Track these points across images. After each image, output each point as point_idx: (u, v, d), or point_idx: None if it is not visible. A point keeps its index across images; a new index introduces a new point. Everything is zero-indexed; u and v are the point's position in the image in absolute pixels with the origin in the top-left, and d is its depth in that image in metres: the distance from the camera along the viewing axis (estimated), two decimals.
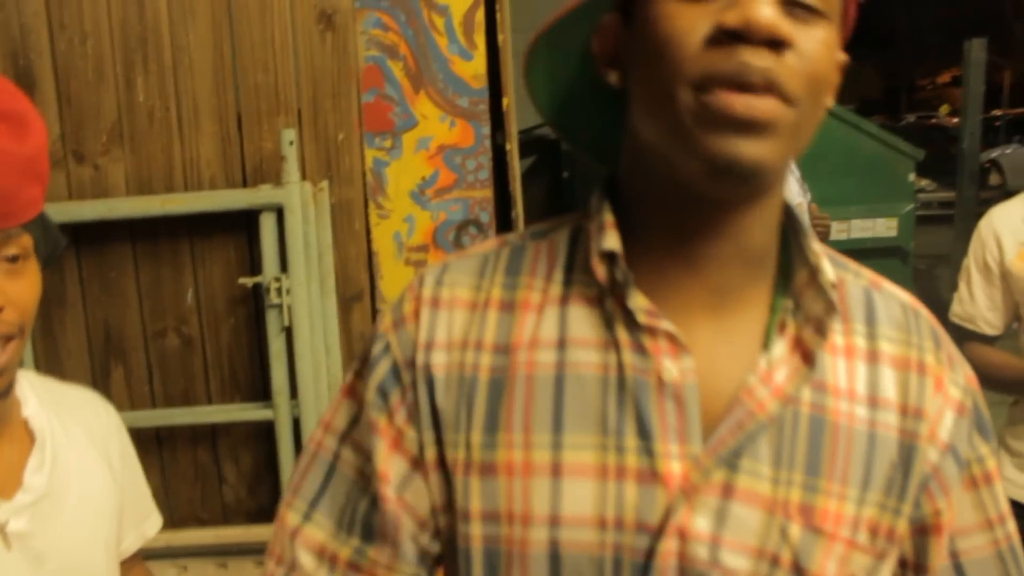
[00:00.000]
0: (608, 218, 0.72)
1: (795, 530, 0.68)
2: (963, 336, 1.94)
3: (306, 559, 0.77)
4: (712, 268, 0.70)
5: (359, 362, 0.81)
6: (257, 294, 2.08)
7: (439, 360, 0.74)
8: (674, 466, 0.67)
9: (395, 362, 0.76)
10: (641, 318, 0.68)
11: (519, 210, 2.26)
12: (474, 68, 2.12)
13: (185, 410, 2.09)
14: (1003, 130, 19.22)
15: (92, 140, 2.07)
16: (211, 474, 2.17)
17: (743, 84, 0.62)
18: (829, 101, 0.70)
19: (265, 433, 2.12)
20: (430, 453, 0.74)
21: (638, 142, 0.71)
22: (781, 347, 0.70)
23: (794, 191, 3.27)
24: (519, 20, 2.54)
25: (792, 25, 0.63)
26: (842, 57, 0.72)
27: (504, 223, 2.24)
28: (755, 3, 0.61)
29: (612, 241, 0.70)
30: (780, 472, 0.68)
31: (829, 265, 0.72)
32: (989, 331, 1.92)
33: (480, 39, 2.11)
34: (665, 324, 0.68)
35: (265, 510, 2.18)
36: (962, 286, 1.98)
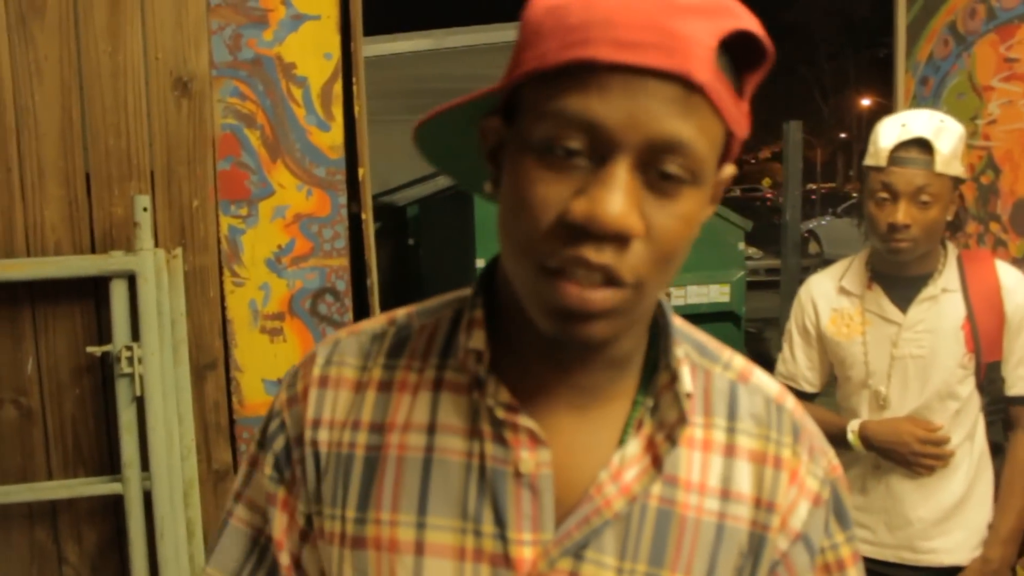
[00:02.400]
0: (478, 315, 0.75)
1: None
2: None
3: None
4: (576, 370, 0.74)
5: (260, 433, 0.84)
6: (105, 363, 2.01)
7: (323, 438, 0.78)
8: (526, 552, 0.71)
9: (288, 439, 0.80)
10: (499, 413, 0.72)
11: (374, 278, 2.28)
12: (331, 139, 2.15)
13: (23, 487, 1.98)
14: (818, 203, 20.80)
15: None
16: (50, 555, 2.05)
17: (580, 277, 0.62)
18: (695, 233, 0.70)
19: (112, 508, 2.03)
20: (316, 523, 0.78)
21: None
22: (635, 445, 0.73)
23: None
24: (373, 87, 2.60)
25: (651, 200, 0.62)
26: (729, 172, 0.71)
27: (360, 291, 2.26)
28: (605, 194, 0.60)
29: (478, 341, 0.73)
30: (624, 563, 0.72)
31: (688, 374, 0.74)
32: (809, 388, 2.09)
33: (337, 110, 2.16)
34: (523, 420, 0.72)
35: None
36: (785, 347, 2.15)
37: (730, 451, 0.76)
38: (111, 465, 2.03)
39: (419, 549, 0.73)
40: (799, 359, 2.08)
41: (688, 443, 0.75)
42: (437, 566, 0.72)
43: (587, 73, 0.60)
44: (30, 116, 2.00)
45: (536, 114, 0.63)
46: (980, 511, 1.91)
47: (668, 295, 3.65)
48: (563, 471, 0.73)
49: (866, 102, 28.76)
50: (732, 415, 0.78)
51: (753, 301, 6.75)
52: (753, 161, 37.92)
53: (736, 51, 0.65)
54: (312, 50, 2.13)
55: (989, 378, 1.90)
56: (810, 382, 2.08)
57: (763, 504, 0.76)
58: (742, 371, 0.81)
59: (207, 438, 2.12)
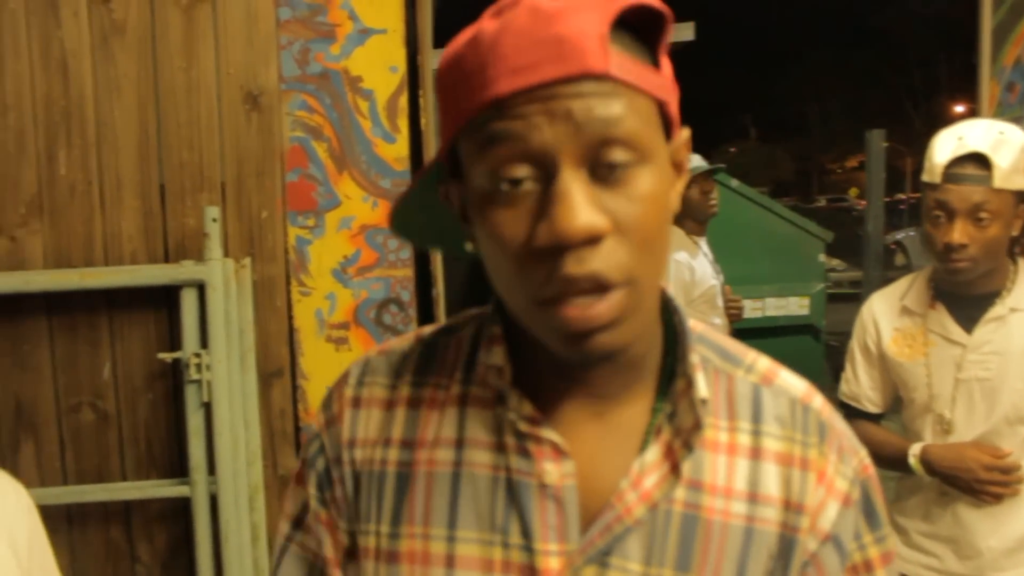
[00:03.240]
0: (496, 331, 0.77)
1: None
2: (851, 414, 2.03)
3: None
4: (591, 379, 0.75)
5: (302, 455, 0.87)
6: (176, 369, 2.07)
7: (358, 456, 0.81)
8: (552, 562, 0.72)
9: (327, 460, 0.82)
10: (522, 427, 0.73)
11: (439, 288, 2.31)
12: (397, 151, 2.18)
13: (99, 487, 2.06)
14: (907, 213, 20.19)
15: (10, 212, 2.06)
16: (123, 553, 2.12)
17: (577, 298, 0.63)
18: (673, 205, 0.72)
19: (181, 510, 2.09)
20: (358, 542, 0.81)
21: None
22: (654, 452, 0.74)
23: (708, 273, 3.40)
24: None
25: (608, 193, 0.64)
26: (683, 137, 0.73)
27: (425, 302, 2.28)
28: (561, 209, 0.62)
29: (497, 357, 0.76)
30: (650, 568, 0.72)
31: (703, 379, 0.74)
32: (873, 409, 2.01)
33: (403, 123, 2.18)
34: (546, 432, 0.73)
35: None
36: (848, 366, 2.08)
37: (756, 454, 0.76)
38: (181, 468, 2.09)
39: (449, 562, 0.74)
40: (861, 379, 2.02)
41: (713, 447, 0.75)
42: None
43: (500, 109, 0.63)
44: (110, 131, 2.09)
45: (474, 163, 0.66)
46: None
47: (741, 310, 3.60)
48: (586, 481, 0.74)
49: (959, 109, 27.84)
50: (757, 418, 0.77)
51: (835, 314, 6.58)
52: (839, 171, 37.04)
53: (637, 23, 0.67)
54: (378, 63, 2.17)
55: None
56: (873, 402, 2.01)
57: (792, 506, 0.75)
58: (766, 373, 0.80)
59: (273, 444, 2.16)
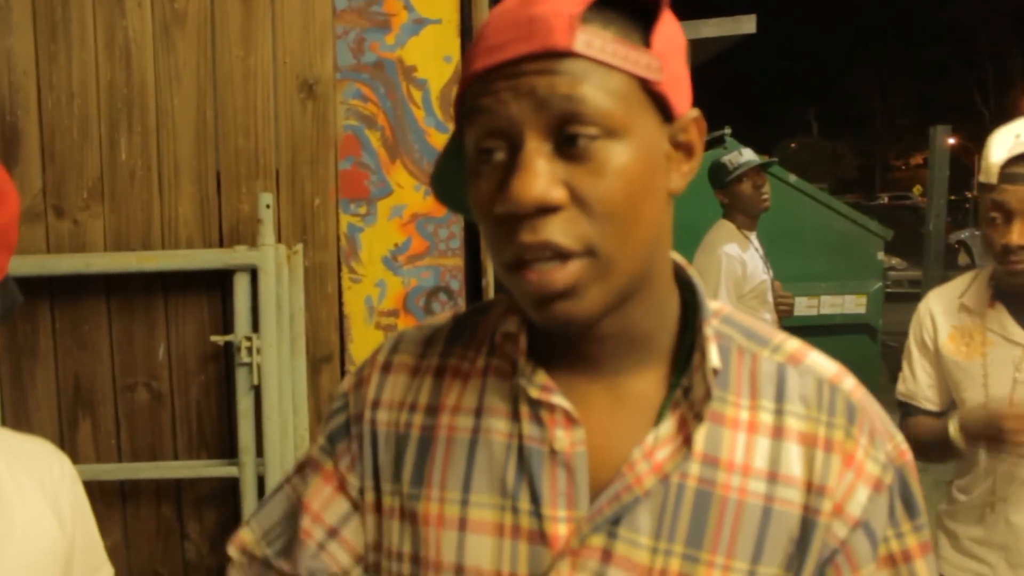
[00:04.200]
0: (513, 303, 0.80)
1: None
2: (909, 413, 1.99)
3: (233, 552, 0.96)
4: (600, 357, 0.76)
5: (327, 413, 0.92)
6: (228, 352, 2.12)
7: (382, 418, 0.84)
8: (561, 528, 0.73)
9: (348, 416, 0.87)
10: (534, 393, 0.75)
11: (489, 279, 2.31)
12: None
13: (151, 464, 2.11)
14: (972, 212, 19.62)
15: (73, 196, 2.12)
16: (174, 530, 2.18)
17: (529, 258, 0.67)
18: (675, 188, 0.73)
19: (230, 490, 2.14)
20: (369, 497, 0.85)
21: None
22: (669, 425, 0.74)
23: (759, 268, 3.35)
24: None
25: (572, 167, 0.66)
26: (690, 116, 0.74)
27: (474, 291, 2.29)
28: (516, 179, 0.65)
29: (511, 325, 0.79)
30: (659, 542, 0.72)
31: (715, 350, 0.75)
32: (931, 407, 1.96)
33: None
34: (557, 399, 0.75)
35: (226, 568, 2.17)
36: (905, 365, 2.03)
37: (778, 433, 0.75)
38: (231, 449, 2.13)
39: (462, 525, 0.77)
40: (919, 376, 1.97)
41: (733, 425, 0.75)
42: (478, 542, 0.76)
43: (479, 85, 0.69)
44: (169, 118, 2.13)
45: (464, 135, 0.72)
46: None
47: (791, 307, 3.54)
48: (598, 451, 0.75)
49: None
50: (780, 397, 0.77)
51: (893, 314, 6.45)
52: (904, 168, 36.22)
53: (638, 8, 0.70)
54: (432, 53, 2.18)
55: None
56: (931, 400, 1.97)
57: (814, 488, 0.74)
58: (793, 353, 0.80)
59: None
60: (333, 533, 0.86)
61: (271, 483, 2.04)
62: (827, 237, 5.96)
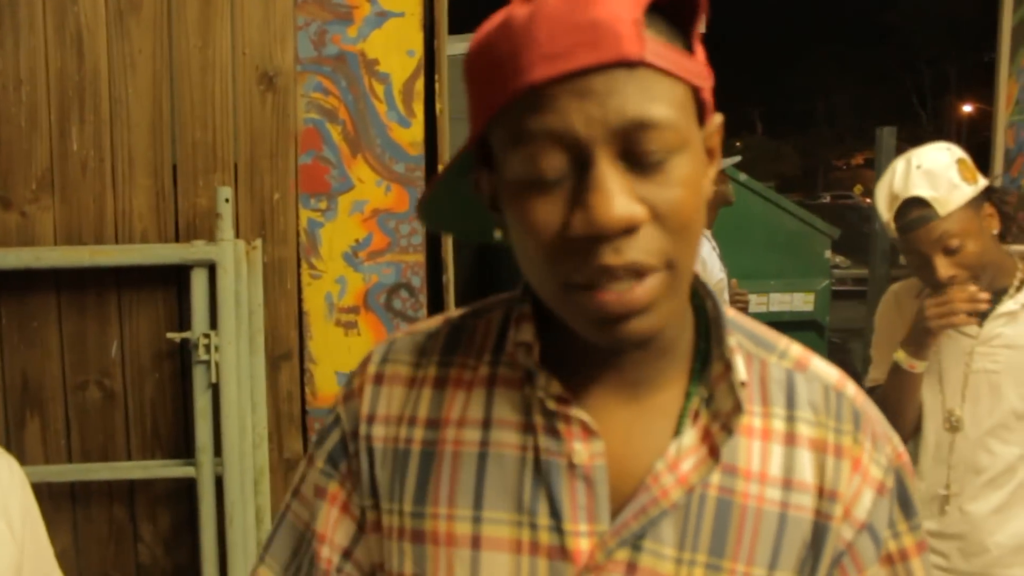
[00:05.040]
0: (526, 310, 0.77)
1: None
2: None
3: None
4: (623, 363, 0.74)
5: (318, 431, 0.87)
6: (184, 350, 2.06)
7: (378, 433, 0.80)
8: (583, 543, 0.71)
9: (343, 433, 0.82)
10: (551, 405, 0.73)
11: (450, 275, 2.29)
12: (411, 135, 2.17)
13: (103, 465, 2.05)
14: None
15: (21, 187, 2.05)
16: (126, 532, 2.12)
17: (613, 286, 0.63)
18: (707, 193, 0.70)
19: (186, 491, 2.09)
20: (371, 516, 0.80)
21: None
22: (692, 436, 0.73)
23: (716, 267, 3.38)
24: (457, 85, 2.60)
25: (644, 182, 0.63)
26: (716, 122, 0.72)
27: (435, 288, 2.27)
28: (598, 198, 0.61)
29: (526, 334, 0.75)
30: (684, 553, 0.71)
31: (742, 363, 0.74)
32: None
33: (419, 107, 2.17)
34: (575, 411, 0.72)
35: (182, 570, 2.13)
36: (874, 354, 2.11)
37: (790, 440, 0.75)
38: (186, 449, 2.08)
39: (476, 543, 0.74)
40: (884, 368, 2.03)
41: (747, 432, 0.75)
42: (494, 559, 0.73)
43: (534, 97, 0.62)
44: (123, 108, 2.07)
45: (508, 153, 0.66)
46: None
47: (747, 304, 3.58)
48: (617, 462, 0.73)
49: (967, 108, 27.77)
50: (791, 404, 0.76)
51: (839, 311, 6.58)
52: (844, 167, 36.98)
53: (670, 8, 0.66)
54: (395, 47, 2.15)
55: None
56: None
57: (825, 493, 0.75)
58: (799, 359, 0.79)
59: (279, 427, 2.16)
60: (347, 554, 0.82)
61: (230, 483, 2.00)
62: (776, 235, 6.04)
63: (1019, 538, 1.81)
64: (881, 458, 0.77)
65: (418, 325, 0.86)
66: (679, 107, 0.64)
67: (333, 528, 0.82)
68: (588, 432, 0.72)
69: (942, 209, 1.76)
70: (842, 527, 0.75)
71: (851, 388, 0.80)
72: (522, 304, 0.78)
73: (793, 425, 0.76)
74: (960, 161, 1.80)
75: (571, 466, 0.72)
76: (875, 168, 6.53)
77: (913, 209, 1.78)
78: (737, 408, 0.72)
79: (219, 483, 2.02)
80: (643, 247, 0.63)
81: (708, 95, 0.69)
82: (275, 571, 0.86)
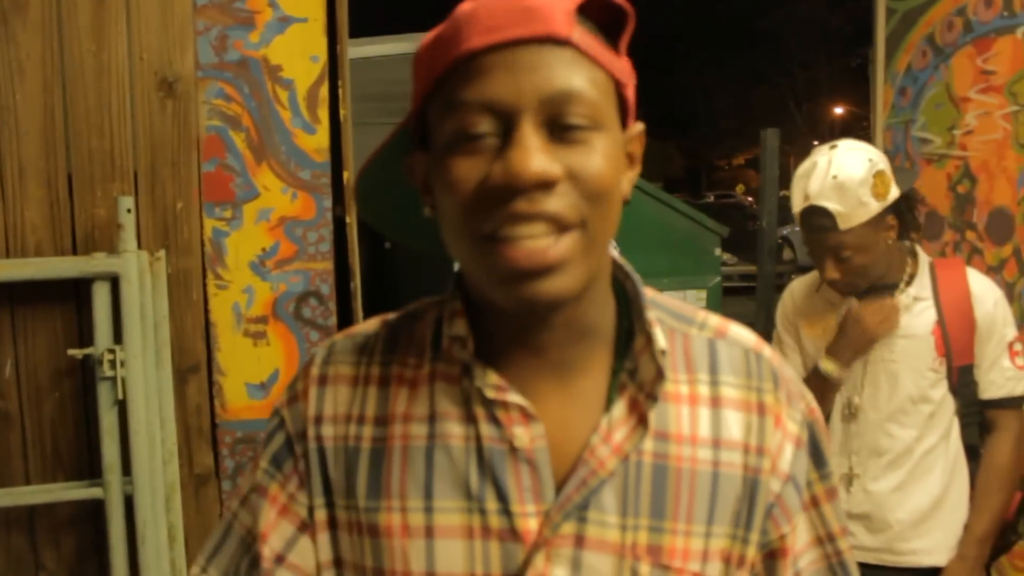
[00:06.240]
0: (457, 306, 0.80)
1: (645, 569, 0.75)
2: None
3: None
4: (551, 348, 0.77)
5: (264, 437, 0.88)
6: (86, 366, 1.98)
7: (328, 432, 0.82)
8: (531, 523, 0.75)
9: (288, 435, 0.84)
10: (489, 393, 0.76)
11: (358, 282, 2.27)
12: (317, 141, 2.14)
13: None
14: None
15: None
16: (27, 561, 2.02)
17: (520, 233, 0.68)
18: (626, 192, 0.77)
19: (91, 513, 2.01)
20: (320, 515, 0.83)
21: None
22: (620, 408, 0.77)
23: None
24: (358, 90, 2.59)
25: (564, 150, 0.69)
26: (638, 129, 0.79)
27: (344, 295, 2.25)
28: (519, 152, 0.66)
29: (459, 328, 0.79)
30: (627, 519, 0.76)
31: (661, 333, 0.78)
32: None
33: (323, 113, 2.14)
34: (512, 397, 0.76)
35: None
36: (776, 349, 2.18)
37: (716, 402, 0.80)
38: (91, 470, 2.00)
39: (429, 532, 0.77)
40: (790, 357, 2.13)
41: (675, 399, 0.79)
42: (448, 547, 0.76)
43: (468, 68, 0.69)
44: (11, 115, 1.98)
45: (441, 119, 0.71)
46: (957, 512, 1.95)
47: None
48: (556, 445, 0.77)
49: (839, 111, 29.04)
50: (714, 369, 0.82)
51: (727, 307, 6.76)
52: (727, 167, 38.15)
53: (601, 18, 0.73)
54: (299, 52, 2.12)
55: (963, 382, 1.94)
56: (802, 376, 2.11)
57: (753, 449, 0.80)
58: (718, 328, 0.85)
59: (189, 442, 2.10)
60: (280, 560, 0.84)
61: (141, 502, 1.93)
62: (667, 234, 6.17)
63: (917, 513, 1.92)
64: (796, 413, 0.83)
65: (356, 328, 0.89)
66: (601, 91, 0.71)
67: (270, 527, 0.84)
68: (527, 416, 0.76)
69: (843, 224, 1.85)
70: (771, 480, 0.80)
71: (767, 350, 0.85)
72: (453, 301, 0.81)
73: (718, 389, 0.81)
74: (878, 175, 1.85)
75: (513, 450, 0.76)
76: (759, 168, 6.78)
77: (817, 216, 1.87)
78: (660, 375, 0.76)
79: (129, 503, 1.94)
80: (557, 203, 0.68)
81: (631, 96, 0.76)
82: None
